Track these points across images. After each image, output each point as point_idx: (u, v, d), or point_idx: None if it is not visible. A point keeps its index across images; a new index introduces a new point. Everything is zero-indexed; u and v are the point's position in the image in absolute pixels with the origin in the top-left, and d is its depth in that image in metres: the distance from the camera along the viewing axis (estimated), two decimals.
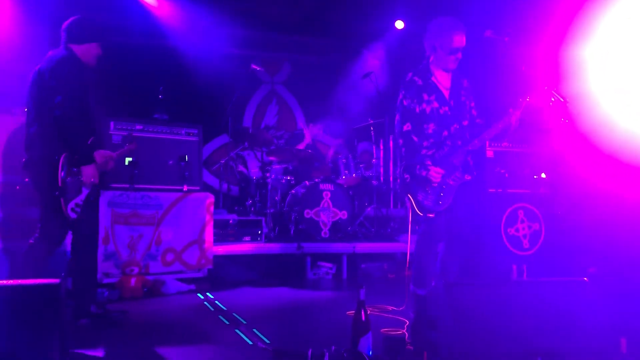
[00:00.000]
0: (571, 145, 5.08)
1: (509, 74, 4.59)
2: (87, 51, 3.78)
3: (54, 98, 3.49)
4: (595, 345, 2.75)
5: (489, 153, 5.30)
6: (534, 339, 2.71)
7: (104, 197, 4.95)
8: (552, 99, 3.44)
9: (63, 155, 3.54)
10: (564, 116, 3.51)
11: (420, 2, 7.20)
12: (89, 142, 3.70)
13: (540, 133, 5.50)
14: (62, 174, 3.52)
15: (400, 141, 3.63)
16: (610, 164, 4.78)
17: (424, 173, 3.51)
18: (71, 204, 3.59)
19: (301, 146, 7.66)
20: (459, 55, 3.61)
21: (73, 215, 3.61)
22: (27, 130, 3.67)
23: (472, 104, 3.81)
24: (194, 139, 5.64)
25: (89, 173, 3.64)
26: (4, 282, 2.74)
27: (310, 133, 7.92)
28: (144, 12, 7.56)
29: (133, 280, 4.81)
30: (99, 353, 3.19)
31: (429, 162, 3.53)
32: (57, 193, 3.50)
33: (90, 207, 3.75)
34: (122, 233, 5.01)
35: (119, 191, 5.05)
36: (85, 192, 3.69)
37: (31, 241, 3.61)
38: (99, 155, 3.79)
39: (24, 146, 3.65)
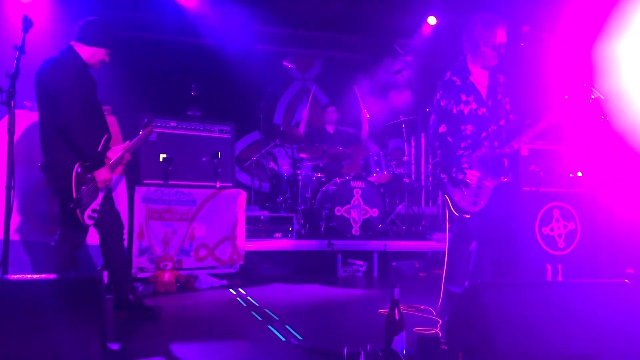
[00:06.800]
0: (608, 143, 4.98)
1: (547, 71, 4.51)
2: (94, 55, 3.70)
3: (55, 105, 3.46)
4: (634, 350, 2.68)
5: (524, 151, 5.20)
6: (569, 342, 2.66)
7: (139, 193, 5.04)
8: (592, 97, 3.37)
9: (77, 164, 3.49)
10: (604, 114, 3.44)
11: None
12: (101, 142, 3.67)
13: (576, 131, 5.39)
14: (75, 183, 3.47)
15: (436, 143, 3.63)
16: None
17: (460, 176, 3.50)
18: (87, 212, 3.55)
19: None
20: (502, 50, 3.57)
21: (90, 222, 3.59)
22: (41, 132, 3.61)
23: (507, 99, 3.77)
24: (226, 135, 5.68)
25: (102, 177, 3.60)
26: (44, 276, 2.81)
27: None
28: (178, 10, 7.64)
29: (167, 275, 4.88)
30: (134, 346, 3.24)
31: (465, 165, 3.53)
32: (72, 205, 3.46)
33: (107, 203, 3.74)
34: (156, 228, 5.08)
35: (153, 187, 5.12)
36: (101, 195, 3.66)
37: (52, 244, 3.68)
38: (112, 152, 3.79)
39: (41, 148, 3.62)
